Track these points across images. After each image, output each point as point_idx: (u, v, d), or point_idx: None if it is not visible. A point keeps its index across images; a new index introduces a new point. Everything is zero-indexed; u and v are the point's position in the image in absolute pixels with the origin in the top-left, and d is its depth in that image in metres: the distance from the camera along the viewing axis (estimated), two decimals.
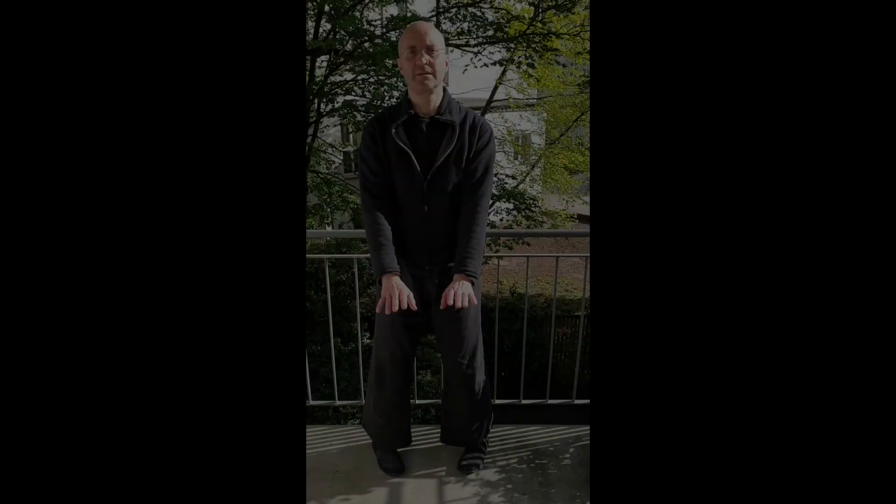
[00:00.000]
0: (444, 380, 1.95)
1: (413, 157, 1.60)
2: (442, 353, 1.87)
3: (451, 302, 1.55)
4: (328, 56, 6.38)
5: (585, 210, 9.32)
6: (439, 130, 1.62)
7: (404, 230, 1.67)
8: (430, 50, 1.55)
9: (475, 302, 1.62)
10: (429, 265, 1.70)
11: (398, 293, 1.56)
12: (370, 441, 2.05)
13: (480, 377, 1.85)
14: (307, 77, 5.97)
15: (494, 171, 1.75)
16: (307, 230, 2.09)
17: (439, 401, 2.05)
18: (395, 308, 1.55)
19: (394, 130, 1.60)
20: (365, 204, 1.66)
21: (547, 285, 9.00)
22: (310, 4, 5.68)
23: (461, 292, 1.58)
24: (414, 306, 1.58)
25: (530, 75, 7.49)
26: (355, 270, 2.23)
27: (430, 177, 1.61)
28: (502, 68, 7.20)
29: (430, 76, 1.55)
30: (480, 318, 1.85)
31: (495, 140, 1.74)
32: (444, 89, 1.64)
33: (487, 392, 1.92)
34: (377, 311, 1.61)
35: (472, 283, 1.63)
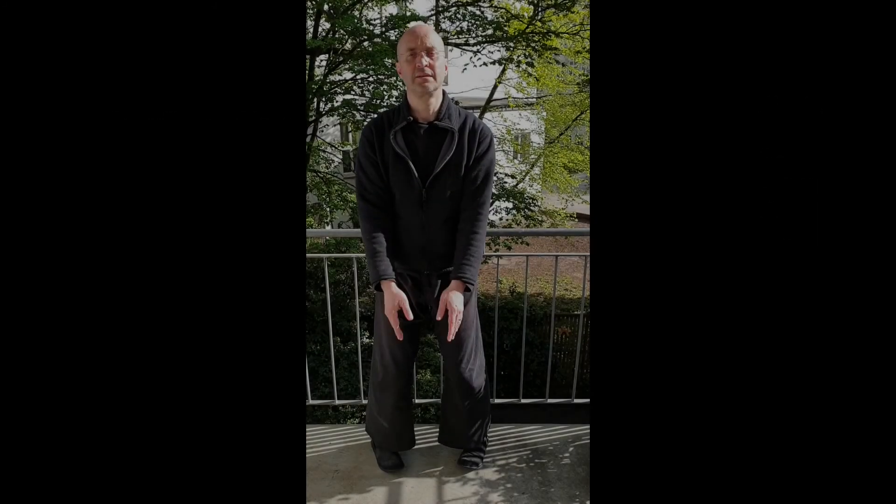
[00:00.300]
0: (443, 381, 1.95)
1: (411, 164, 1.58)
2: (442, 355, 1.88)
3: (450, 325, 1.62)
4: (327, 55, 6.38)
5: (585, 209, 9.33)
6: (438, 137, 1.60)
7: (403, 236, 1.67)
8: (429, 52, 1.53)
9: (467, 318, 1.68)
10: (428, 269, 1.70)
11: (398, 314, 1.62)
12: (369, 440, 2.05)
13: (479, 380, 1.85)
14: (306, 76, 5.97)
15: (494, 171, 1.76)
16: (306, 229, 2.08)
17: (439, 400, 2.05)
18: (401, 337, 1.63)
19: (392, 136, 1.58)
20: (361, 211, 1.66)
21: (546, 284, 9.01)
22: (309, 3, 5.68)
23: (456, 308, 1.62)
24: (410, 315, 1.61)
25: (530, 74, 7.49)
26: (354, 270, 2.23)
27: (428, 184, 1.60)
28: (502, 67, 7.20)
29: (431, 78, 1.54)
30: (479, 321, 1.85)
31: (495, 140, 1.73)
32: (444, 93, 1.62)
33: (487, 394, 1.92)
34: (395, 331, 1.65)
35: (469, 290, 1.65)
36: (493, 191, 7.20)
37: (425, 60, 1.53)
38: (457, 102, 1.67)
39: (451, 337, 1.63)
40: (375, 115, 1.71)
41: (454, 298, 1.62)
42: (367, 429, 2.01)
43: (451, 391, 1.88)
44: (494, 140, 1.71)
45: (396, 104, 1.70)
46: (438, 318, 1.63)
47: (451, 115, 1.61)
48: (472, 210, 1.64)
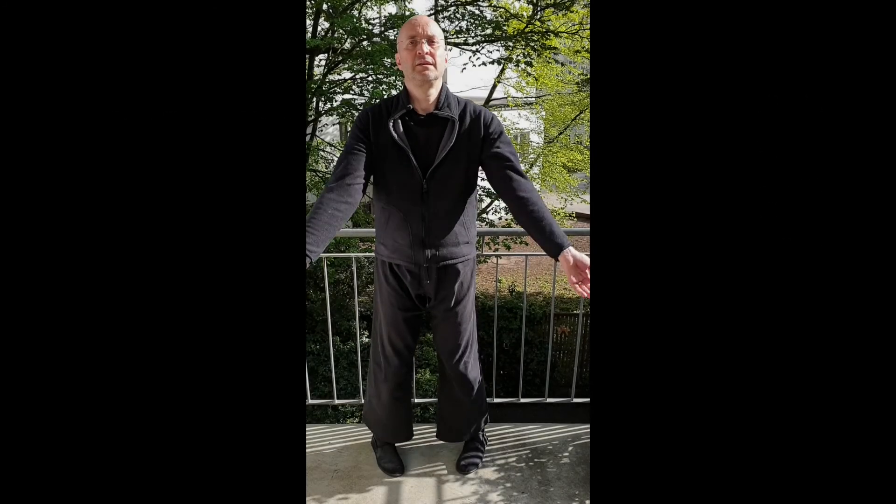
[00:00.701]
0: (439, 375, 1.95)
1: (411, 154, 1.57)
2: (437, 348, 1.88)
3: (586, 282, 1.44)
4: (326, 55, 6.38)
5: (584, 208, 9.33)
6: (438, 126, 1.58)
7: (402, 228, 1.64)
8: (430, 40, 1.53)
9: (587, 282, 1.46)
10: (427, 262, 1.68)
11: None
12: (369, 440, 2.05)
13: (474, 373, 1.86)
14: (305, 76, 5.96)
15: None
16: None
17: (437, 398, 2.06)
18: None
19: (391, 124, 1.56)
20: (326, 189, 1.51)
21: (546, 284, 9.02)
22: (308, 3, 5.67)
23: (588, 262, 1.44)
24: None
25: (529, 74, 7.49)
26: (353, 269, 2.23)
27: (428, 175, 1.58)
28: (501, 66, 7.20)
29: (431, 66, 1.52)
30: (475, 315, 1.85)
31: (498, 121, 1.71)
32: (443, 83, 1.61)
33: (482, 389, 1.92)
34: None
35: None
36: (492, 190, 7.21)
37: (426, 48, 1.52)
38: (455, 96, 1.66)
39: (588, 293, 1.41)
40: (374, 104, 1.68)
41: (580, 257, 1.46)
42: (364, 419, 2.01)
43: (449, 385, 1.88)
44: (499, 119, 1.69)
45: (396, 95, 1.68)
46: (575, 279, 1.45)
47: (450, 104, 1.59)
48: (523, 186, 1.57)
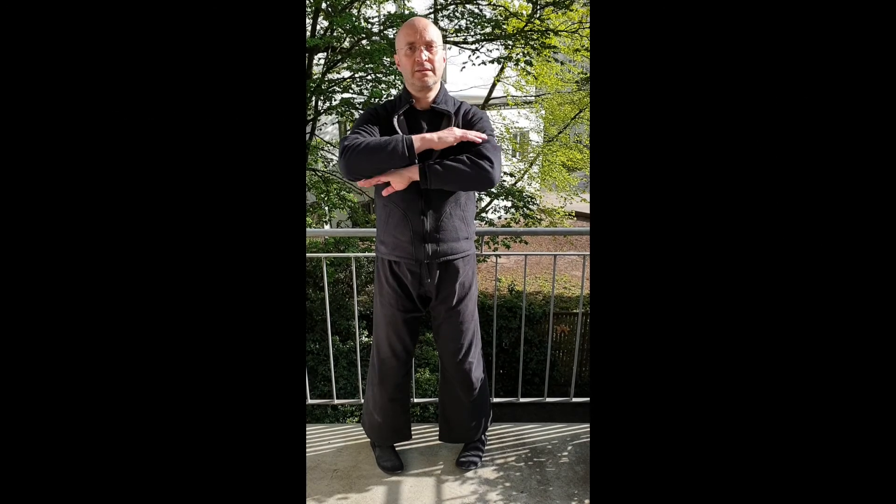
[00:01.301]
0: (441, 376, 1.95)
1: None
2: (439, 349, 1.87)
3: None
4: (326, 53, 6.37)
5: (583, 207, 9.34)
6: (437, 120, 1.64)
7: (402, 224, 1.65)
8: (428, 46, 1.54)
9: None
10: (428, 259, 1.68)
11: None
12: (368, 439, 2.05)
13: (478, 373, 1.86)
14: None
15: (494, 138, 1.74)
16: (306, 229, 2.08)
17: (437, 399, 2.06)
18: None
19: (396, 119, 1.61)
20: (351, 142, 1.56)
21: (545, 283, 9.03)
22: (307, 1, 5.67)
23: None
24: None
25: (528, 72, 7.48)
26: (353, 269, 2.22)
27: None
28: (500, 65, 7.19)
29: (430, 73, 1.56)
30: (478, 314, 1.85)
31: (489, 121, 1.73)
32: (441, 83, 1.67)
33: (486, 388, 1.92)
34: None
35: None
36: (492, 188, 7.21)
37: (424, 55, 1.54)
38: (452, 97, 1.70)
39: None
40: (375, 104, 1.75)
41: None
42: (362, 422, 2.02)
43: (450, 385, 1.88)
44: (489, 119, 1.71)
45: (396, 96, 1.73)
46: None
47: (447, 101, 1.65)
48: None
